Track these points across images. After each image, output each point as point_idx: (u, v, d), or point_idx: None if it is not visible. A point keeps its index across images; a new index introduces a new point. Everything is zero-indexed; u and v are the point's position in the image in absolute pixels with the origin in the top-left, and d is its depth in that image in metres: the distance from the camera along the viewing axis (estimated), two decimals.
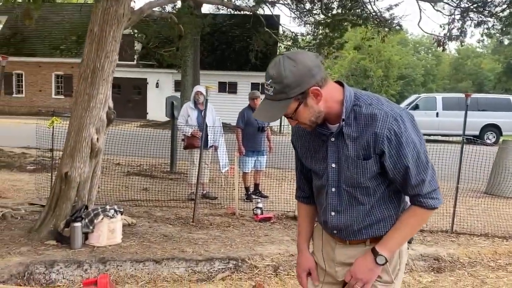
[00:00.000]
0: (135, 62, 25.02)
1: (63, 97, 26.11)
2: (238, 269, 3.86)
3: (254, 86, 22.79)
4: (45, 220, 4.27)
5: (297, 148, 1.82)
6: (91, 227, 4.06)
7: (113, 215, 4.17)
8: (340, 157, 1.63)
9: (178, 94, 16.62)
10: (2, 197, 5.51)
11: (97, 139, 4.40)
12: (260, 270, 3.84)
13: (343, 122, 1.58)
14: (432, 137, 17.32)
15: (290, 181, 7.62)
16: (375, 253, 1.63)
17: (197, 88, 6.90)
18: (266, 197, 6.69)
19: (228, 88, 24.40)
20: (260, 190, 6.94)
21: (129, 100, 25.29)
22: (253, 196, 6.65)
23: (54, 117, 5.79)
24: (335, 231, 1.73)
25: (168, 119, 10.42)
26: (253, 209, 5.65)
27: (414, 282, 3.80)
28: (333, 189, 1.69)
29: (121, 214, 4.36)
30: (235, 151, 6.46)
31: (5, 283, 3.27)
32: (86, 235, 4.08)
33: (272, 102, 1.54)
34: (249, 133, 6.57)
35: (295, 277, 3.76)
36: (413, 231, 1.68)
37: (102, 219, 4.09)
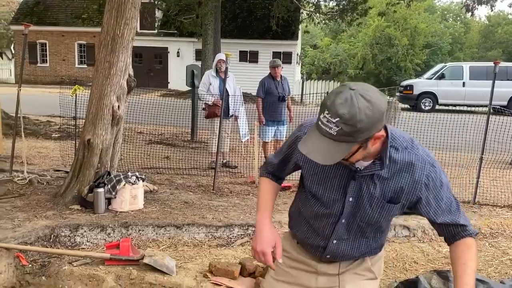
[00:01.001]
0: (156, 31, 24.96)
1: (86, 66, 26.36)
2: None
3: (276, 55, 22.48)
4: (70, 186, 4.39)
5: (300, 163, 1.67)
6: (113, 193, 4.15)
7: (134, 181, 4.25)
8: (363, 194, 1.56)
9: (199, 63, 16.57)
10: (29, 164, 5.66)
11: (118, 106, 4.44)
12: None
13: (382, 164, 1.50)
14: (457, 108, 16.90)
15: None
16: None
17: (219, 56, 6.83)
18: None
19: (249, 57, 24.14)
20: None
21: (150, 69, 25.36)
22: None
23: (77, 86, 5.86)
24: (328, 256, 1.70)
25: (189, 88, 10.43)
26: None
27: (434, 251, 3.78)
28: (343, 221, 1.63)
29: (143, 181, 4.43)
30: (255, 121, 6.44)
31: (32, 244, 3.40)
32: (109, 201, 4.18)
33: (331, 142, 1.36)
34: (269, 103, 6.52)
35: None
36: (476, 264, 1.60)
37: (124, 185, 4.18)
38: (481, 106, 14.49)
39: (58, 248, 3.47)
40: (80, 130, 6.23)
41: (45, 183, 5.05)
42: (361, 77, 36.52)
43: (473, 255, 1.57)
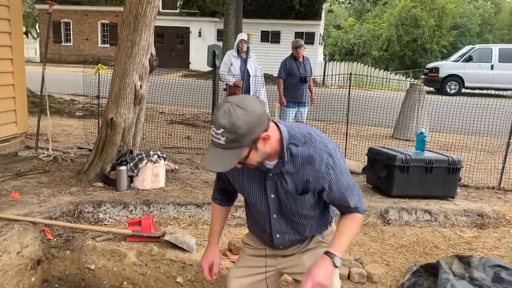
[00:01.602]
0: (178, 11, 24.89)
1: (108, 45, 26.57)
2: None
3: (298, 35, 22.17)
4: (93, 163, 4.47)
5: (228, 177, 1.88)
6: (135, 171, 4.21)
7: (156, 160, 4.29)
8: (279, 190, 1.75)
9: (220, 44, 16.47)
10: (54, 141, 5.79)
11: (140, 86, 4.47)
12: None
13: (283, 161, 1.67)
14: (484, 91, 16.43)
15: (331, 134, 7.51)
16: (331, 256, 1.72)
17: (241, 36, 6.76)
18: None
19: (271, 37, 23.91)
20: None
21: (172, 49, 25.40)
22: None
23: (100, 64, 5.91)
24: (281, 246, 1.92)
25: (210, 68, 10.40)
26: None
27: (456, 237, 3.73)
28: (275, 215, 1.83)
29: (164, 160, 4.48)
30: (276, 102, 6.41)
31: (57, 219, 3.49)
32: (131, 179, 4.25)
33: (223, 150, 1.56)
34: (291, 84, 6.46)
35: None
36: (355, 234, 1.86)
37: (146, 163, 4.23)
38: (510, 90, 14.05)
39: (82, 224, 3.56)
40: (103, 109, 6.32)
41: (69, 160, 5.16)
42: (385, 58, 35.80)
43: (353, 225, 1.80)
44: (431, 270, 2.83)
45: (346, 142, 6.16)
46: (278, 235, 1.87)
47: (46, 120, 5.67)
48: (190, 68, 24.09)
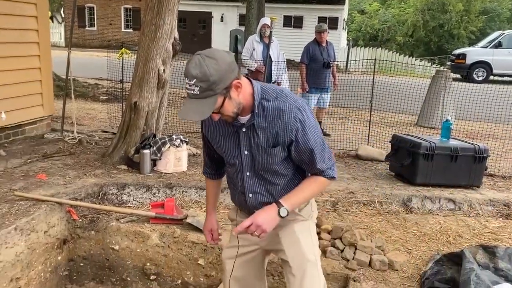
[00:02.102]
0: None
1: (131, 30, 26.74)
2: None
3: (321, 20, 21.82)
4: (117, 146, 4.54)
5: (208, 138, 1.95)
6: (158, 155, 4.26)
7: (179, 144, 4.33)
8: (252, 145, 1.81)
9: (242, 29, 16.37)
10: (78, 124, 5.89)
11: (164, 70, 4.49)
12: (319, 204, 3.87)
13: (255, 115, 1.73)
14: None
15: (354, 120, 7.43)
16: (279, 205, 1.79)
17: (264, 20, 6.68)
18: (328, 135, 6.59)
19: (294, 22, 23.59)
20: (322, 128, 6.84)
21: (194, 34, 25.37)
22: None
23: (124, 49, 5.96)
24: (255, 210, 1.86)
25: (232, 53, 10.40)
26: None
27: (480, 226, 3.66)
28: (248, 173, 1.88)
29: (187, 144, 4.51)
30: (298, 87, 6.35)
31: (82, 201, 3.57)
32: (154, 162, 4.30)
33: (198, 100, 1.62)
34: (313, 69, 6.38)
35: (353, 213, 3.79)
36: (313, 194, 1.91)
37: (169, 147, 4.27)
38: None
39: (106, 205, 3.63)
40: (126, 93, 6.39)
41: (93, 143, 5.26)
42: (410, 44, 34.98)
43: (314, 185, 1.85)
44: (455, 259, 2.79)
45: (369, 129, 6.09)
46: (250, 195, 1.91)
47: (71, 104, 5.77)
48: None
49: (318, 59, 6.32)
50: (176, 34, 4.56)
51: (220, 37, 23.83)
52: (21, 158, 4.49)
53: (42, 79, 5.48)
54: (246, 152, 1.84)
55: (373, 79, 6.09)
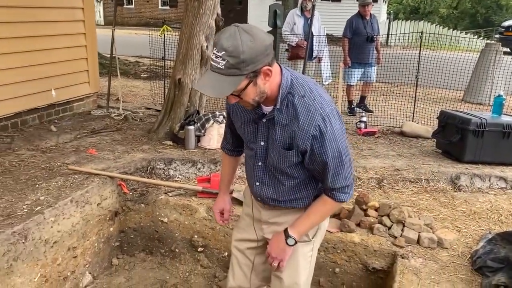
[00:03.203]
0: None
1: (168, 7, 26.85)
2: None
3: None
4: (162, 123, 4.63)
5: (230, 114, 1.85)
6: (202, 131, 4.32)
7: (222, 121, 4.37)
8: (269, 138, 1.69)
9: (279, 3, 16.08)
10: (122, 101, 6.03)
11: (207, 46, 4.50)
12: (363, 181, 3.83)
13: (276, 108, 1.60)
14: None
15: (397, 96, 7.22)
16: (286, 235, 1.76)
17: None
18: (371, 111, 6.46)
19: None
20: (366, 103, 6.71)
21: (230, 10, 25.18)
22: (357, 110, 6.47)
23: (165, 26, 6.00)
24: (259, 198, 1.89)
25: (270, 29, 10.25)
26: (356, 123, 5.53)
27: None
28: (260, 163, 1.79)
29: None
30: (340, 62, 6.22)
31: (132, 175, 3.68)
32: (198, 138, 4.37)
33: (220, 76, 1.45)
34: (357, 43, 6.21)
35: (399, 191, 3.73)
36: (321, 219, 1.82)
37: (212, 124, 4.32)
38: None
39: (154, 179, 3.73)
40: (167, 70, 6.47)
41: (138, 120, 5.38)
42: (454, 17, 33.40)
43: (321, 210, 1.77)
44: (509, 238, 2.70)
45: (414, 105, 5.92)
46: (257, 183, 1.84)
47: (115, 81, 5.90)
48: None
49: (362, 33, 6.15)
50: (218, 10, 4.55)
51: (256, 12, 23.54)
52: (71, 134, 4.66)
53: (88, 57, 5.62)
54: (262, 143, 1.73)
55: (419, 53, 5.88)
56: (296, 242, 1.77)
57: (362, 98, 6.67)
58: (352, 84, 6.43)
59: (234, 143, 2.02)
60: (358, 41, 6.17)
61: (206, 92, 1.52)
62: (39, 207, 2.86)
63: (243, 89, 1.50)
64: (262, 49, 1.44)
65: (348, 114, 6.38)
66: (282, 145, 1.65)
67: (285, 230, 1.77)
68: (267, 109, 1.64)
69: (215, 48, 1.44)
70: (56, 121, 5.14)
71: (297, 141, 1.60)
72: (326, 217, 1.87)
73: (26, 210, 2.81)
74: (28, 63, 4.70)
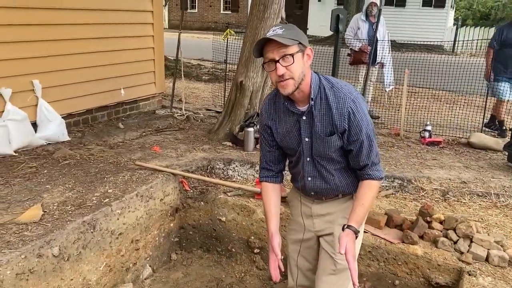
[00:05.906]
0: None
1: (230, 12, 27.36)
2: (403, 189, 3.77)
3: None
4: (222, 124, 4.72)
5: (272, 128, 1.99)
6: None
7: None
8: (312, 132, 1.88)
9: (342, 7, 15.88)
10: (185, 102, 6.21)
11: None
12: (427, 192, 3.69)
13: (312, 102, 1.81)
14: None
15: (463, 105, 6.89)
16: (353, 230, 1.80)
17: None
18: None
19: (396, 0, 22.36)
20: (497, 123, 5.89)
21: (290, 15, 25.21)
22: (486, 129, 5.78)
23: (229, 29, 6.11)
24: (312, 192, 2.04)
25: (330, 34, 10.13)
26: (420, 132, 5.33)
27: None
28: (308, 159, 1.96)
29: None
30: (406, 69, 6.01)
31: (193, 173, 3.78)
32: (257, 140, 4.39)
33: (281, 37, 1.68)
34: (506, 55, 5.50)
35: (465, 204, 3.55)
36: (372, 202, 1.96)
37: None
38: None
39: (214, 178, 3.81)
40: (228, 74, 6.59)
41: (199, 120, 5.53)
42: None
43: (370, 195, 1.89)
44: None
45: (483, 116, 5.60)
46: (309, 178, 1.99)
47: (178, 83, 6.09)
48: (307, 34, 23.78)
49: None
50: (283, 14, 4.57)
51: (316, 17, 23.43)
52: (137, 131, 4.87)
53: (155, 58, 5.85)
54: (307, 139, 1.91)
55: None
56: (359, 231, 1.87)
57: (493, 117, 5.98)
58: (503, 99, 5.64)
59: (276, 164, 2.08)
60: (509, 53, 5.50)
61: (275, 37, 1.68)
62: (107, 199, 3.01)
63: (294, 55, 1.71)
64: (303, 36, 1.76)
65: (496, 136, 5.41)
66: (325, 133, 1.85)
67: (349, 226, 1.82)
68: (303, 108, 1.86)
69: (271, 28, 1.75)
70: (123, 118, 5.40)
71: (335, 124, 1.82)
72: (374, 201, 2.06)
73: (95, 202, 2.97)
74: (100, 63, 4.98)
